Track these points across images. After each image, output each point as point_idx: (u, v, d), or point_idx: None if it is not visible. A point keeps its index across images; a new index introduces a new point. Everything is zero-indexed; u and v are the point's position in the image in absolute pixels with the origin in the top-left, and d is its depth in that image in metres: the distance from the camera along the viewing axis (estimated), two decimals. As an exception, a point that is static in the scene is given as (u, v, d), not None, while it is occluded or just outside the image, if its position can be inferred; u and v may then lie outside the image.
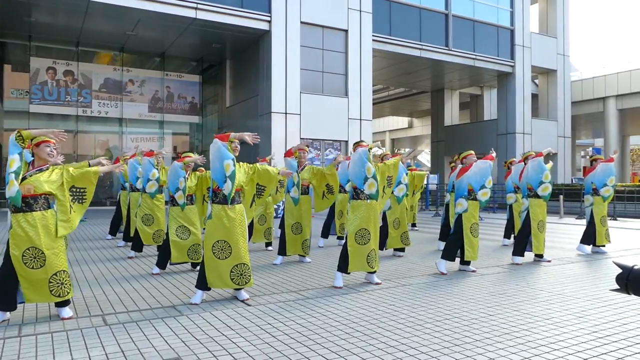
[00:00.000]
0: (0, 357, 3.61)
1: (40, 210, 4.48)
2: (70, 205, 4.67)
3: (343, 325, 4.36)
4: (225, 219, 5.23)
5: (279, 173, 5.81)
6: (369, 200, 6.06)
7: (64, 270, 4.56)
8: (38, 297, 4.52)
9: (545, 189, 7.81)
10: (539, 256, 7.86)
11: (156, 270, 6.86)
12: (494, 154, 7.42)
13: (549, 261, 7.80)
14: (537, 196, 7.85)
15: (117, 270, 7.12)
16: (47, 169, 4.62)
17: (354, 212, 6.09)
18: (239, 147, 5.51)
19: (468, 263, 6.99)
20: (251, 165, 5.64)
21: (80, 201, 4.77)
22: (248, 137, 5.32)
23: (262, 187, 5.73)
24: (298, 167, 7.98)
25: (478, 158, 7.26)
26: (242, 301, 5.24)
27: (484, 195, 6.97)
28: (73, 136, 22.78)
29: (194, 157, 7.01)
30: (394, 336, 4.07)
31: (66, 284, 4.56)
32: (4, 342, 3.92)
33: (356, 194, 6.10)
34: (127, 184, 10.25)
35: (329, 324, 4.42)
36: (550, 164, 8.73)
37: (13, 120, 21.26)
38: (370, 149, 6.14)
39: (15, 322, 4.46)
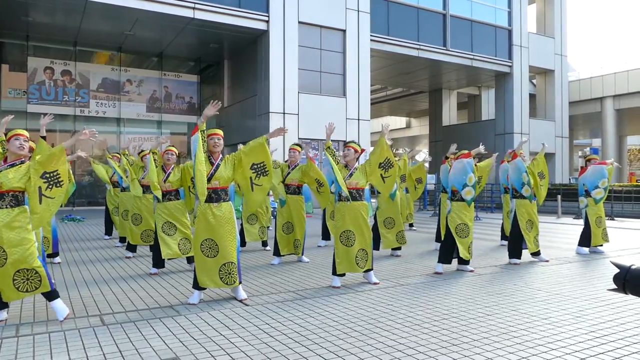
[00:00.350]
0: (-2, 357, 3.60)
1: (6, 207, 4.36)
2: (42, 194, 4.45)
3: (341, 325, 4.36)
4: (212, 217, 5.18)
5: (267, 140, 5.54)
6: (349, 202, 6.04)
7: (26, 269, 4.38)
8: (8, 293, 4.41)
9: (527, 191, 7.82)
10: (535, 254, 7.86)
11: (154, 270, 6.85)
12: (479, 149, 7.30)
13: (547, 261, 7.80)
14: (523, 197, 7.85)
15: (114, 270, 7.11)
16: (21, 164, 4.49)
17: (337, 214, 6.13)
18: (219, 142, 5.36)
19: (466, 262, 6.98)
20: (235, 152, 5.42)
21: (58, 185, 4.55)
22: (209, 111, 5.15)
23: (261, 164, 5.39)
24: (290, 166, 7.97)
25: (476, 159, 7.26)
26: (240, 301, 5.24)
27: (467, 194, 6.89)
28: (71, 136, 22.72)
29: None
30: (391, 336, 4.07)
31: (32, 280, 4.41)
32: (1, 342, 3.91)
33: (339, 195, 6.14)
34: (107, 185, 10.38)
35: (327, 323, 4.42)
36: (544, 147, 8.58)
37: (10, 120, 21.19)
38: (328, 147, 6.27)
39: (13, 322, 4.45)
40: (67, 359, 3.56)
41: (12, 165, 4.47)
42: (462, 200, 6.93)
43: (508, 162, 8.35)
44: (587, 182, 8.82)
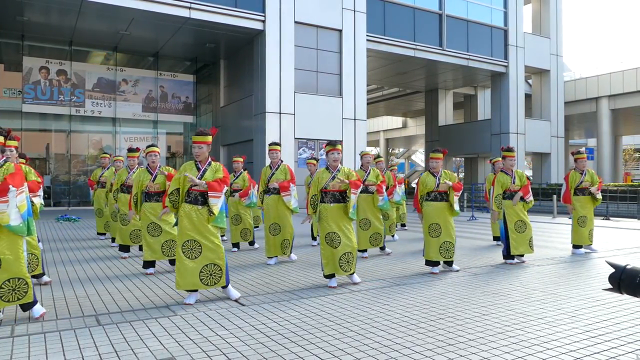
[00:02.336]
0: (-7, 357, 3.59)
1: None
2: None
3: (337, 325, 4.36)
4: (195, 218, 5.16)
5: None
6: (332, 204, 6.02)
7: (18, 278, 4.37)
8: None
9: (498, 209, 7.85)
10: (519, 255, 7.71)
11: (150, 270, 6.84)
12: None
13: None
14: (511, 197, 7.79)
15: (110, 270, 7.09)
16: None
17: (321, 215, 6.08)
18: (200, 150, 5.27)
19: (430, 263, 6.93)
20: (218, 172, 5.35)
21: None
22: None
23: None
24: (272, 167, 7.97)
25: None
26: (235, 300, 5.23)
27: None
28: (66, 136, 22.68)
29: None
30: (388, 336, 4.07)
31: (19, 290, 4.38)
32: (-4, 343, 3.89)
33: (323, 196, 6.09)
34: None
35: (323, 323, 4.42)
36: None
37: (5, 120, 21.14)
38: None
39: (8, 322, 4.43)
40: (63, 359, 3.55)
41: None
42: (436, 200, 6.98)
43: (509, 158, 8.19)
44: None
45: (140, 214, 6.97)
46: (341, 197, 6.08)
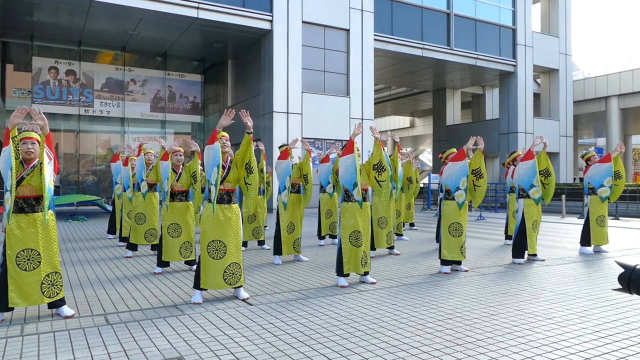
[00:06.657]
0: (3, 356, 3.61)
1: (41, 211, 4.50)
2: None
3: (345, 325, 4.36)
4: (222, 217, 5.22)
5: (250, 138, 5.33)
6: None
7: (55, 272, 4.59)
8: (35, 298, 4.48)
9: (536, 193, 7.66)
10: (533, 255, 7.84)
11: (158, 269, 6.86)
12: (470, 146, 6.93)
13: (543, 260, 7.78)
14: (529, 196, 7.77)
15: (118, 270, 7.13)
16: (40, 165, 4.47)
17: (346, 214, 6.07)
18: (227, 142, 5.43)
19: (447, 263, 6.92)
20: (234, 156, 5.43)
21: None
22: (225, 121, 5.15)
23: (248, 163, 5.32)
24: None
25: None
26: (243, 300, 5.25)
27: (459, 197, 6.82)
28: (75, 135, 22.82)
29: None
30: (395, 336, 4.07)
31: (56, 285, 4.59)
32: (6, 341, 3.92)
33: (347, 196, 6.09)
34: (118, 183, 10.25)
35: (331, 323, 4.42)
36: (545, 144, 8.10)
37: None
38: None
39: (18, 321, 4.46)
40: (72, 358, 3.57)
41: (34, 168, 4.49)
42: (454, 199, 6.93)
43: (508, 163, 8.26)
44: (593, 181, 8.76)
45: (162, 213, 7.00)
46: (366, 194, 6.20)
